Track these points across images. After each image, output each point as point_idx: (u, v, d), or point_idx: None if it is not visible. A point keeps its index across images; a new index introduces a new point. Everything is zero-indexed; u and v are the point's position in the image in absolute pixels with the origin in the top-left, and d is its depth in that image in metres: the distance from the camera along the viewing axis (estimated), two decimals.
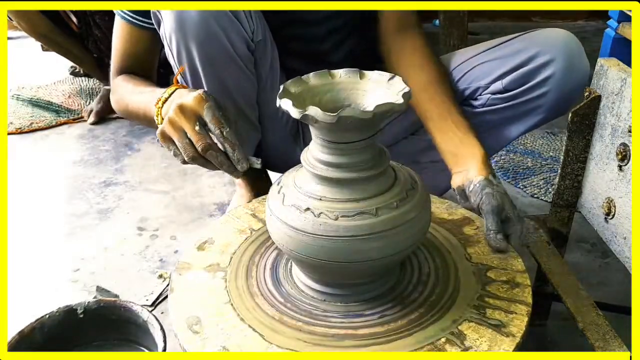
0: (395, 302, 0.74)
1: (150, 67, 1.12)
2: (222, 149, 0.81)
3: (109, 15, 1.79)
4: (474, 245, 0.85)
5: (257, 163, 0.81)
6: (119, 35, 1.07)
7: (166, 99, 0.88)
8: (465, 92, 1.10)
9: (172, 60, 0.99)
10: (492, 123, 1.10)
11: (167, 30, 0.94)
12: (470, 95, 1.10)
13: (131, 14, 1.04)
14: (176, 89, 0.90)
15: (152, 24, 1.02)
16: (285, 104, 0.65)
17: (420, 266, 0.80)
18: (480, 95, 1.09)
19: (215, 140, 0.81)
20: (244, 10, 0.96)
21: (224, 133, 0.80)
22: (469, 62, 1.10)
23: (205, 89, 0.99)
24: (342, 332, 0.70)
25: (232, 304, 0.75)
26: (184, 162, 0.83)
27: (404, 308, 0.73)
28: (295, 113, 0.64)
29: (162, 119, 0.87)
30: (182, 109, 0.81)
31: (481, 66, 1.08)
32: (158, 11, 0.95)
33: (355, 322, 0.72)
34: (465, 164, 0.93)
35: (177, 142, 0.82)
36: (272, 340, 0.69)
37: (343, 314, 0.73)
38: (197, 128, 0.80)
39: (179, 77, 0.96)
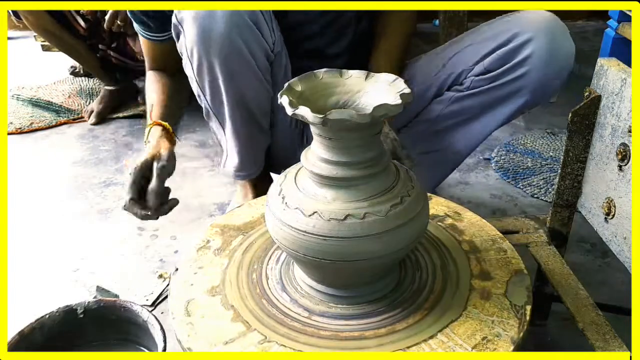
0: (395, 303, 0.74)
1: (170, 64, 1.15)
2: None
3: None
4: (472, 242, 0.85)
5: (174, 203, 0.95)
6: (142, 45, 1.15)
7: (147, 141, 1.00)
8: (451, 77, 1.11)
9: (191, 72, 1.00)
10: (478, 107, 1.10)
11: (189, 43, 0.94)
12: (456, 80, 1.11)
13: (146, 33, 1.08)
14: (150, 129, 1.01)
15: (158, 38, 1.08)
16: (283, 101, 0.65)
17: (420, 265, 0.80)
18: (465, 78, 1.09)
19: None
20: (267, 23, 0.96)
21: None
22: (455, 47, 1.11)
23: (225, 99, 1.02)
24: (341, 333, 0.70)
25: (232, 305, 0.75)
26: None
27: (404, 310, 0.73)
28: (289, 110, 0.64)
29: None
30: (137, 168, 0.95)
31: (465, 50, 1.09)
32: (179, 23, 0.95)
33: (354, 322, 0.72)
34: None
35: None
36: (272, 338, 0.69)
37: (342, 315, 0.73)
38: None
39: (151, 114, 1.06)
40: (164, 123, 1.01)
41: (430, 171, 1.10)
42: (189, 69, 0.99)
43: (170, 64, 1.14)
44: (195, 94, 1.06)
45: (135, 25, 1.10)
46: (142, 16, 1.05)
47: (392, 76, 0.70)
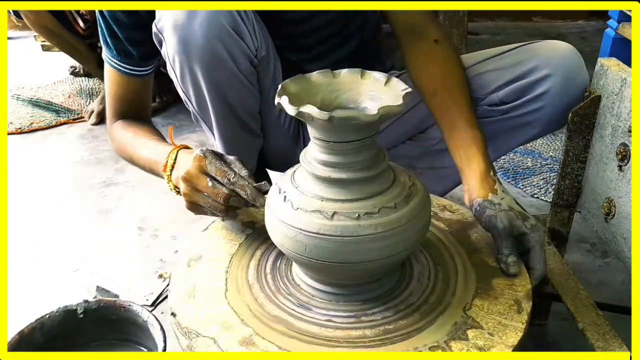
0: (394, 304, 0.74)
1: (145, 107, 1.14)
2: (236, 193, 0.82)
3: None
4: (476, 248, 0.84)
5: (268, 185, 0.81)
6: (110, 81, 1.09)
7: (172, 165, 0.90)
8: None
9: (175, 78, 1.00)
10: (488, 134, 1.10)
11: (170, 52, 0.94)
12: None
13: (119, 63, 1.05)
14: (177, 151, 0.91)
15: (140, 72, 1.06)
16: (282, 101, 0.65)
17: (420, 268, 0.80)
18: (477, 106, 1.08)
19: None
20: (248, 29, 0.95)
21: (231, 179, 0.81)
22: (470, 71, 1.09)
23: (210, 106, 1.01)
24: (339, 332, 0.70)
25: (228, 301, 0.75)
26: (226, 215, 0.86)
27: (402, 310, 0.73)
28: (290, 110, 0.64)
29: (175, 186, 0.89)
30: (188, 178, 0.83)
31: (480, 77, 1.07)
32: (160, 32, 0.94)
33: (352, 322, 0.72)
34: (467, 182, 0.91)
35: (204, 207, 0.84)
36: (267, 337, 0.69)
37: (341, 314, 0.73)
38: (210, 185, 0.81)
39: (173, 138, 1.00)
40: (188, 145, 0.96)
41: (433, 184, 1.08)
42: (173, 75, 0.99)
43: (144, 106, 1.12)
44: (182, 98, 1.06)
45: (111, 62, 1.06)
46: (128, 45, 1.02)
47: (386, 75, 0.70)
